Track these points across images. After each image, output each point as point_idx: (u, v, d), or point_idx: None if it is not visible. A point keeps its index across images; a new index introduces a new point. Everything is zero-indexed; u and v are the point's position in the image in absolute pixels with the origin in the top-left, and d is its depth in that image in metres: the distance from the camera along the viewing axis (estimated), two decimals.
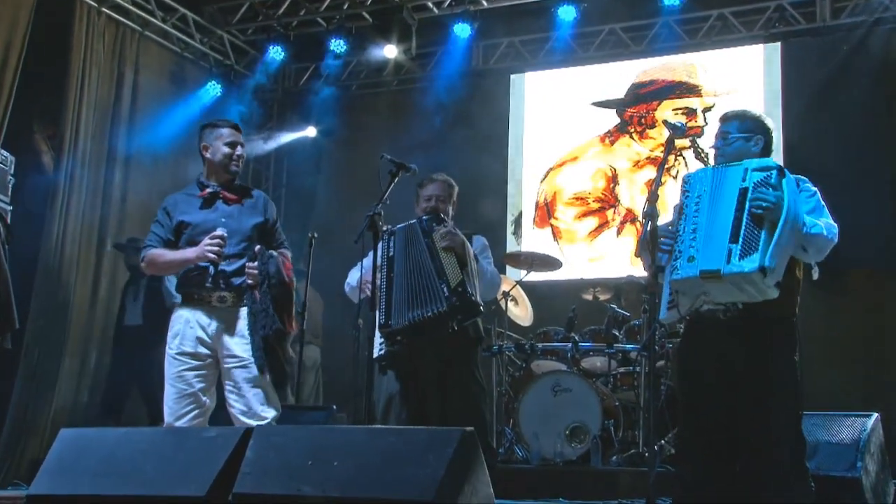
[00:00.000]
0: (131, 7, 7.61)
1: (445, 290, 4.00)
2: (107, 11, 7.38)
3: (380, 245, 4.01)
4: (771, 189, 3.09)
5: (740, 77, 7.68)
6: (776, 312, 3.18)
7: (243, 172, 4.22)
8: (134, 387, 6.83)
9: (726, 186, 3.20)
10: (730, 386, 3.26)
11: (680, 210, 3.30)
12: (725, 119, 3.45)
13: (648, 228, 3.23)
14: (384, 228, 4.05)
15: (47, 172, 7.06)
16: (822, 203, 3.35)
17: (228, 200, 3.87)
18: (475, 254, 4.28)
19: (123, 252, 7.05)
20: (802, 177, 3.36)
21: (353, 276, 4.38)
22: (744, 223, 3.09)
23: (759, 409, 3.21)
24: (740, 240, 3.08)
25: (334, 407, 6.15)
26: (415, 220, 4.24)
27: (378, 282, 4.02)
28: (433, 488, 2.39)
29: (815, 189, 3.34)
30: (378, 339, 4.09)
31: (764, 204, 3.07)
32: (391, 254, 4.17)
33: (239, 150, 3.92)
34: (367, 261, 4.01)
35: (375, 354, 4.09)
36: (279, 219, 4.06)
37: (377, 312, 4.00)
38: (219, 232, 3.72)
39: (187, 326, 3.74)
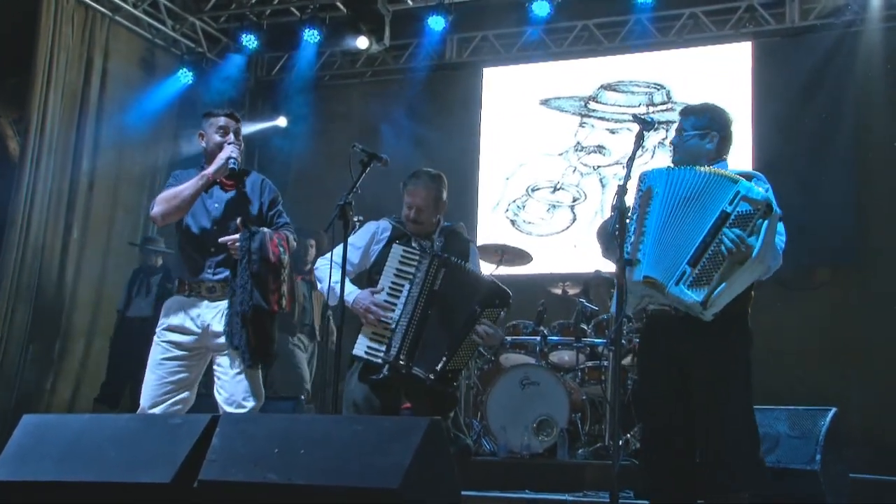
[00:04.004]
0: None
1: (441, 365, 3.74)
2: None
3: (422, 264, 3.80)
4: (748, 231, 3.04)
5: (712, 75, 7.77)
6: (728, 310, 3.18)
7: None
8: (130, 379, 6.84)
9: (711, 199, 3.12)
10: (684, 382, 3.30)
11: (640, 208, 3.24)
12: (684, 114, 3.46)
13: (617, 223, 3.23)
14: (436, 251, 3.85)
15: (13, 158, 6.97)
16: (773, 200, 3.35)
17: (225, 186, 3.81)
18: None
19: (140, 250, 7.10)
20: (758, 174, 3.36)
21: (325, 271, 3.80)
22: (708, 253, 3.06)
23: (713, 403, 3.25)
24: (698, 268, 3.07)
25: (302, 397, 6.14)
26: (487, 283, 3.89)
27: (401, 311, 3.75)
28: (399, 477, 2.39)
29: (767, 185, 3.33)
30: (366, 342, 3.78)
31: (733, 249, 3.04)
32: (437, 288, 3.79)
33: (231, 138, 3.81)
34: (339, 250, 3.75)
35: (362, 355, 3.81)
36: (278, 198, 3.89)
37: (392, 343, 3.75)
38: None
39: (175, 315, 3.69)
